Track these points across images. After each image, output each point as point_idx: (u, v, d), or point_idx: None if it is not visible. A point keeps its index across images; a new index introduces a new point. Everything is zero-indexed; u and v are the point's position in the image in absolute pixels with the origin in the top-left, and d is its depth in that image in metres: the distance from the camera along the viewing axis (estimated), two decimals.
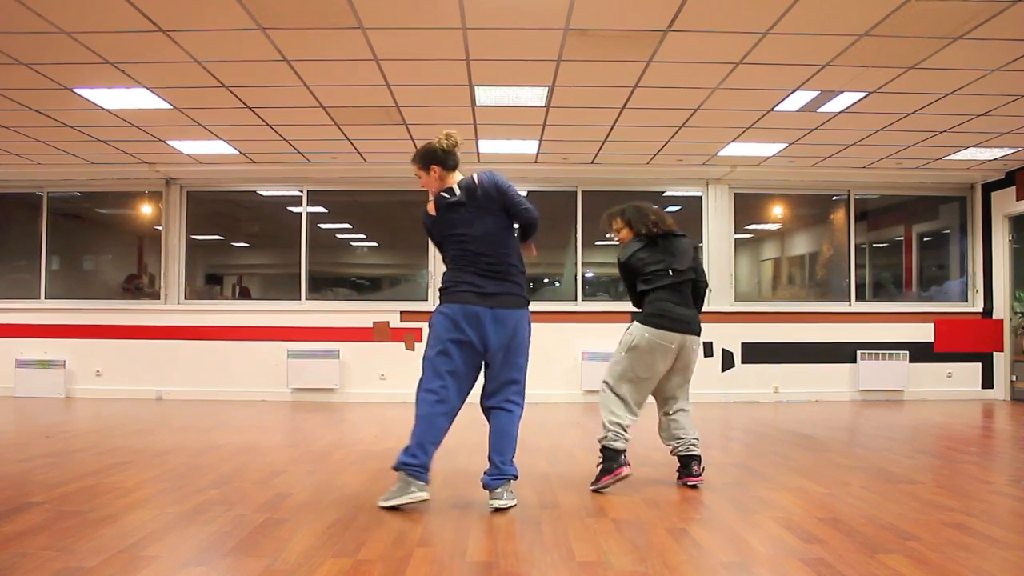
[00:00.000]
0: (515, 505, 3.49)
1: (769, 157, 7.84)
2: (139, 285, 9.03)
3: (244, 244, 10.39)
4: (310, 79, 5.49)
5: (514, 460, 3.55)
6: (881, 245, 9.45)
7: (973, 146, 7.29)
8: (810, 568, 2.64)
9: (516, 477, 3.55)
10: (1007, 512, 3.61)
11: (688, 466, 3.94)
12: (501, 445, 3.50)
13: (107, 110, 6.18)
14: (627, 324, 4.08)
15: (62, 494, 3.69)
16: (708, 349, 8.43)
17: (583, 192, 8.62)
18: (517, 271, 3.60)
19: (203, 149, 7.57)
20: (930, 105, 5.98)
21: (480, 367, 3.56)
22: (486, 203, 3.52)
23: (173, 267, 8.65)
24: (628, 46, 4.82)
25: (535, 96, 5.88)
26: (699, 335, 3.99)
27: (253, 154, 7.84)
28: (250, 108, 6.18)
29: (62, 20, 4.41)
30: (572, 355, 8.25)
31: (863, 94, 5.74)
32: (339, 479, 4.14)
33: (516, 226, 3.64)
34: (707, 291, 4.17)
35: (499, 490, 3.47)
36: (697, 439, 3.99)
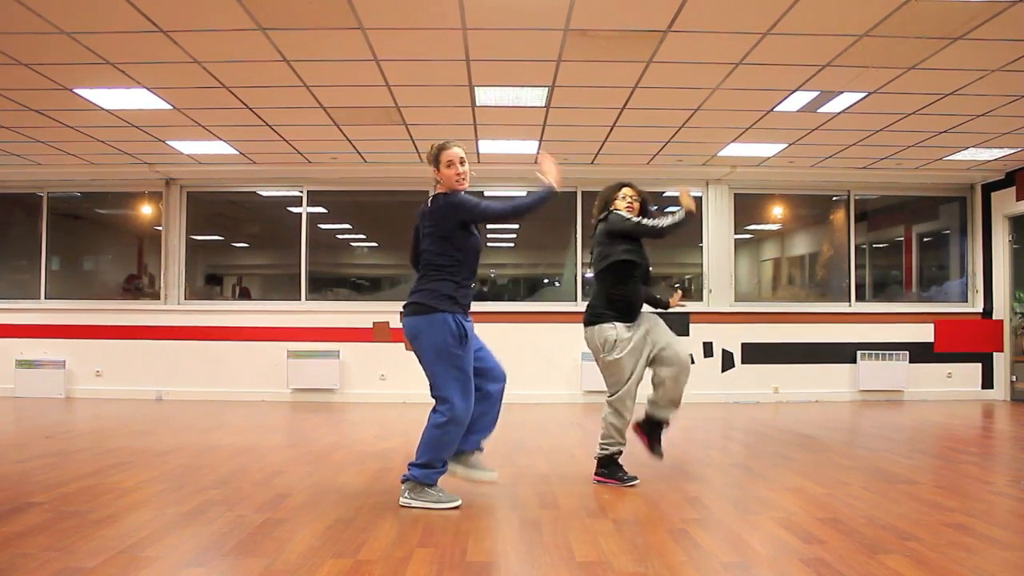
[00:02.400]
0: (411, 507, 3.45)
1: (769, 157, 7.84)
2: (139, 285, 9.03)
3: (244, 244, 10.39)
4: (310, 79, 5.49)
5: (423, 465, 3.47)
6: (881, 245, 9.45)
7: (973, 146, 7.29)
8: (810, 568, 2.64)
9: (408, 479, 3.50)
10: (1007, 512, 3.61)
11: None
12: (417, 448, 3.54)
13: (107, 110, 6.18)
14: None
15: (62, 494, 3.68)
16: (708, 349, 8.43)
17: (583, 192, 8.62)
18: (427, 280, 3.52)
19: (203, 149, 7.57)
20: (930, 105, 5.98)
21: None
22: (432, 225, 3.55)
23: (173, 267, 8.65)
24: (628, 46, 4.83)
25: (535, 96, 5.88)
26: (586, 325, 4.05)
27: (253, 154, 7.84)
28: (250, 108, 6.18)
29: (62, 20, 4.41)
30: (572, 356, 8.24)
31: (863, 94, 5.74)
32: (339, 479, 4.14)
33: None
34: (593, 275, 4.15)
35: (402, 486, 3.54)
36: (600, 443, 4.03)
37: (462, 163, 3.56)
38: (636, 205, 4.16)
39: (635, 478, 3.99)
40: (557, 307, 8.59)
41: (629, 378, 3.93)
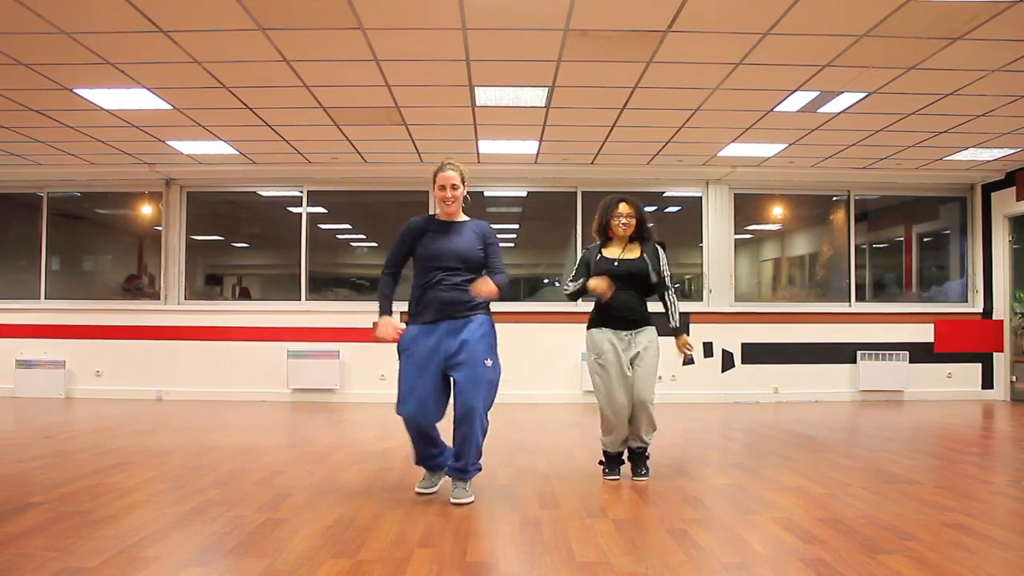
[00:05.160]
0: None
1: (769, 157, 7.84)
2: (139, 285, 9.03)
3: (244, 244, 10.38)
4: (310, 79, 5.49)
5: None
6: (881, 245, 9.45)
7: (973, 146, 7.29)
8: (810, 568, 2.64)
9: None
10: (1007, 512, 3.61)
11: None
12: None
13: (107, 110, 6.18)
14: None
15: (62, 494, 3.68)
16: (708, 349, 8.43)
17: (583, 192, 8.62)
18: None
19: (203, 149, 7.57)
20: (930, 105, 5.98)
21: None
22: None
23: (173, 267, 8.65)
24: (628, 46, 4.82)
25: (535, 96, 5.88)
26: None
27: (253, 154, 7.84)
28: (250, 108, 6.18)
29: (62, 20, 4.41)
30: (572, 356, 8.24)
31: (863, 94, 5.74)
32: (339, 479, 4.14)
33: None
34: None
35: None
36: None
37: (454, 188, 3.69)
38: (632, 223, 4.09)
39: (615, 476, 4.16)
40: (557, 307, 8.58)
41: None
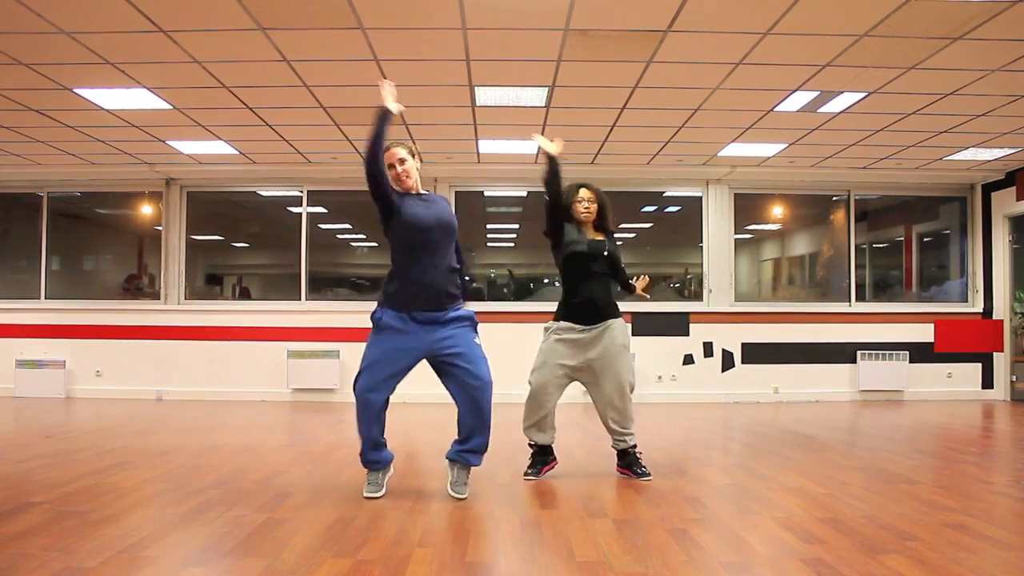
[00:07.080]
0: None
1: (769, 157, 7.84)
2: (139, 285, 9.03)
3: (244, 244, 10.39)
4: (310, 79, 5.49)
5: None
6: (881, 245, 9.45)
7: (973, 146, 7.29)
8: (810, 568, 2.64)
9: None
10: (1007, 512, 3.61)
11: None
12: None
13: (107, 110, 6.18)
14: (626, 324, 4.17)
15: (62, 494, 3.68)
16: (708, 349, 8.43)
17: None
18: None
19: (203, 149, 7.57)
20: (930, 105, 5.98)
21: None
22: None
23: (173, 267, 8.65)
24: (628, 46, 4.83)
25: (535, 96, 5.88)
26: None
27: (253, 154, 7.85)
28: (250, 108, 6.18)
29: (62, 20, 4.41)
30: None
31: (863, 94, 5.74)
32: (339, 479, 4.14)
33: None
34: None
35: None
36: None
37: (401, 162, 3.61)
38: (593, 207, 4.17)
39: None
40: (556, 307, 8.57)
41: None
